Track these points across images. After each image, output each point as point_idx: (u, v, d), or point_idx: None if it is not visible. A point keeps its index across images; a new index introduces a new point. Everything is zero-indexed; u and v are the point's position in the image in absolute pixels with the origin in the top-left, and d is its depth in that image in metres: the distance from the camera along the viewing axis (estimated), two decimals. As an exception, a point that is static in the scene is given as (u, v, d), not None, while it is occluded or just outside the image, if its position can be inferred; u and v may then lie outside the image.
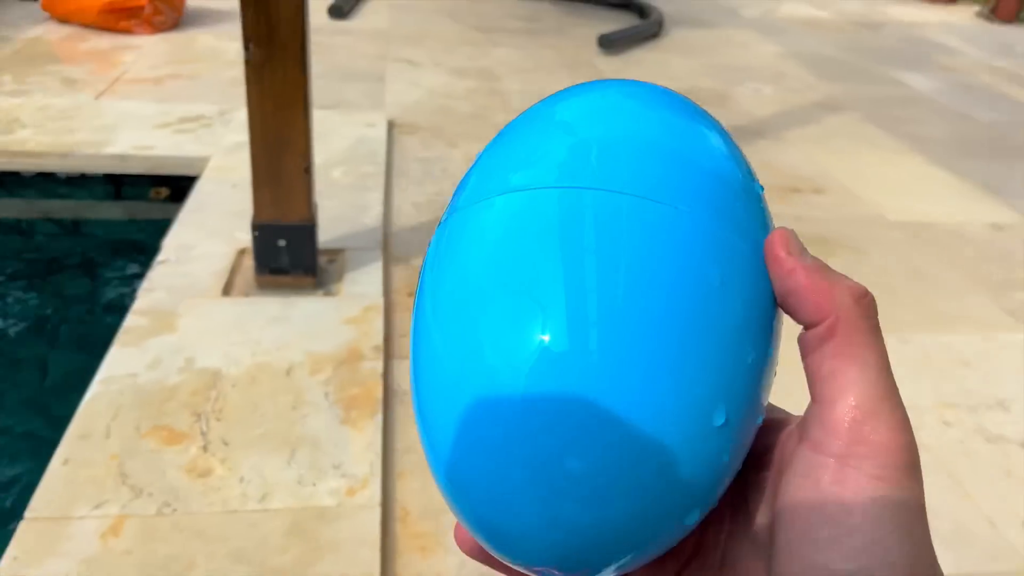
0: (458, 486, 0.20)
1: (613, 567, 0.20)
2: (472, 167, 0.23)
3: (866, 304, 0.21)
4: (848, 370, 0.20)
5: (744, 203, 0.22)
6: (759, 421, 0.21)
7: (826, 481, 0.19)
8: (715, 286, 0.20)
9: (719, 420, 0.19)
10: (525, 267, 0.19)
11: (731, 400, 0.20)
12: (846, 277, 0.21)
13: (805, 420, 0.21)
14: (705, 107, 0.24)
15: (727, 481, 0.21)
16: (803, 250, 0.21)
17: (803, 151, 2.17)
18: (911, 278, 1.59)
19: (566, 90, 0.24)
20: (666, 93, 0.24)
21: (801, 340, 0.21)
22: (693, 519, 0.20)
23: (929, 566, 0.19)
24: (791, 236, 0.22)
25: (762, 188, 0.23)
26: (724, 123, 0.25)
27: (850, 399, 0.20)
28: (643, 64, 2.82)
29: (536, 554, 0.20)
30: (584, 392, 0.18)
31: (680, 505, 0.20)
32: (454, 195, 0.23)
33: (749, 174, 0.23)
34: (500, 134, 0.23)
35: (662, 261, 0.19)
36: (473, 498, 0.20)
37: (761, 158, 2.10)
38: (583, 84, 0.24)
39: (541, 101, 0.24)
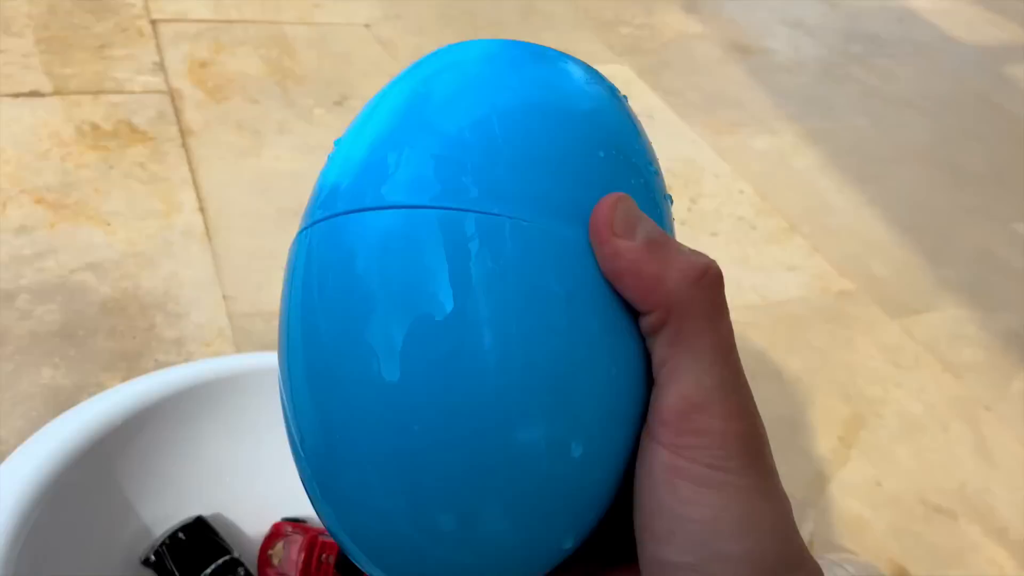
0: (334, 499, 0.19)
1: None
2: (337, 155, 0.21)
3: (705, 285, 0.18)
4: (679, 359, 0.18)
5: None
6: (635, 431, 0.20)
7: (659, 471, 0.18)
8: (561, 303, 0.18)
9: (576, 452, 0.18)
10: (396, 306, 0.18)
11: (589, 426, 0.18)
12: (683, 254, 0.19)
13: (649, 408, 0.19)
14: None
15: (602, 504, 0.20)
16: (632, 225, 0.18)
17: None
18: (525, 14, 1.52)
19: (433, 58, 0.21)
20: (557, 60, 0.21)
21: (640, 323, 0.19)
22: (568, 544, 0.20)
23: (777, 554, 0.18)
24: (618, 208, 0.18)
25: (666, 196, 0.22)
26: None
27: (680, 390, 0.18)
28: None
29: (405, 567, 0.19)
30: (458, 426, 0.18)
31: (550, 531, 0.19)
32: (317, 194, 0.21)
33: (638, 166, 0.21)
34: (366, 114, 0.21)
35: (514, 284, 0.18)
36: (350, 512, 0.19)
37: None
38: (451, 48, 0.21)
39: (408, 71, 0.22)
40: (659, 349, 0.19)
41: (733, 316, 0.20)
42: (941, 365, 0.95)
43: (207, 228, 0.87)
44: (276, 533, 0.57)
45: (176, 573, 0.52)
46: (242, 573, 0.54)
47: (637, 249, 0.18)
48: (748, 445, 0.18)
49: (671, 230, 0.22)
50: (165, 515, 0.55)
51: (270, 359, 0.59)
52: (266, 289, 0.82)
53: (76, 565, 0.49)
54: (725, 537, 0.17)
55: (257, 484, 0.59)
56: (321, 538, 0.57)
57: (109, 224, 0.85)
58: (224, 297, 0.80)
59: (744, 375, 0.19)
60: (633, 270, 0.18)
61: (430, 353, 0.17)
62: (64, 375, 0.70)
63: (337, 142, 0.21)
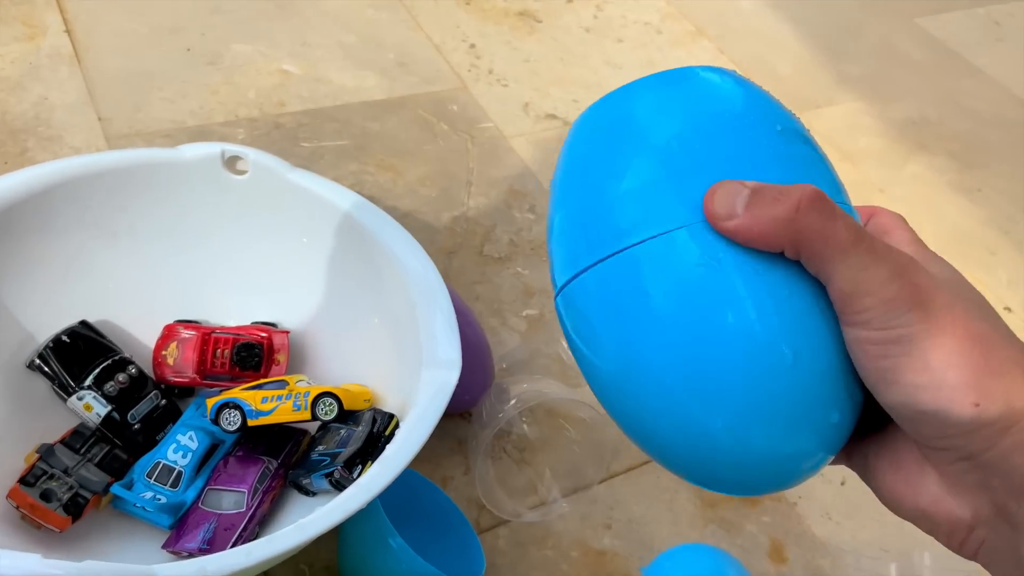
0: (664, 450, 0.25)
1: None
2: (560, 212, 0.26)
3: (804, 211, 0.22)
4: (821, 267, 0.22)
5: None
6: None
7: (850, 343, 0.23)
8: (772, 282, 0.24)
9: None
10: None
11: (799, 342, 0.23)
12: (777, 201, 0.22)
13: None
14: None
15: (826, 401, 0.24)
16: (734, 197, 0.22)
17: None
18: None
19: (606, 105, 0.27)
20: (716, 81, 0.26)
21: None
22: (823, 457, 0.25)
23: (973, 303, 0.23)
24: (720, 192, 0.22)
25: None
26: None
27: (834, 286, 0.22)
28: None
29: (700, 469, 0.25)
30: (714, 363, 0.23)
31: (797, 442, 0.24)
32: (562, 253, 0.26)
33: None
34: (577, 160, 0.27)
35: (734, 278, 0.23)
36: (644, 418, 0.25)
37: None
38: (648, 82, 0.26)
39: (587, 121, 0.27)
40: (809, 268, 0.22)
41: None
42: (840, 154, 0.96)
43: (75, 50, 0.81)
44: (169, 334, 0.57)
45: (64, 374, 0.51)
46: (133, 371, 0.54)
47: (741, 223, 0.22)
48: (911, 297, 0.21)
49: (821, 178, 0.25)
50: (49, 323, 0.54)
51: (138, 155, 0.56)
52: (144, 110, 0.78)
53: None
54: (917, 371, 0.21)
55: (143, 289, 0.58)
56: (214, 335, 0.57)
57: (-35, 50, 0.78)
58: (100, 119, 0.76)
59: (879, 241, 0.22)
60: (749, 239, 0.22)
61: (697, 330, 0.23)
62: (-70, 203, 0.66)
63: (553, 183, 0.27)
